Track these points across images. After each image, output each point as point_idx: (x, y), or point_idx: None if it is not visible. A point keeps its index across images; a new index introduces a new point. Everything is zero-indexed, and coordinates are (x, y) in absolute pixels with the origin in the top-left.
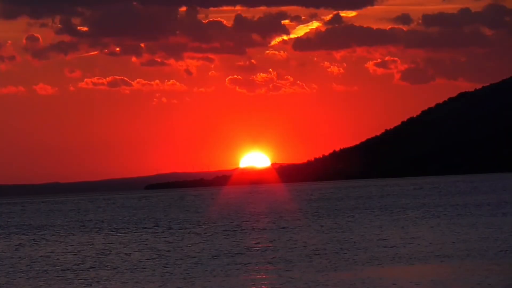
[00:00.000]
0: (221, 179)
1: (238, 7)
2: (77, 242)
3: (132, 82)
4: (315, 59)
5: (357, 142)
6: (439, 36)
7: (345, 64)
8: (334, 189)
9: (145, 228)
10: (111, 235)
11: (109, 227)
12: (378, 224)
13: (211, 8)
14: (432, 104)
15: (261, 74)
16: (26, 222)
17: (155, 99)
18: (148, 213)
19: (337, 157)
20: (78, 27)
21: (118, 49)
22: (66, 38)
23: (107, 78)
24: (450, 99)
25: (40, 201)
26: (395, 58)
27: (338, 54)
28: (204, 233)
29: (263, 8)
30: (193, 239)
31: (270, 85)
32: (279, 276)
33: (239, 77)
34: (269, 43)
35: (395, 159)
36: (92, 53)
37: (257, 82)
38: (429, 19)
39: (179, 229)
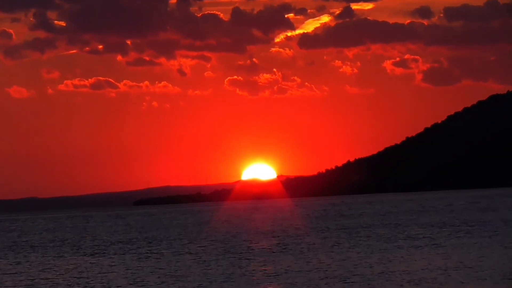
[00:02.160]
0: (221, 194)
1: None
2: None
3: (118, 84)
4: (325, 57)
5: (374, 152)
6: (463, 32)
7: (359, 63)
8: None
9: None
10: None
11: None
12: None
13: (206, 0)
14: (459, 108)
15: (264, 74)
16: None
17: (144, 103)
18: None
19: (352, 168)
20: (55, 22)
21: (101, 46)
22: (42, 34)
23: (90, 80)
24: (479, 103)
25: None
26: (416, 57)
27: (350, 52)
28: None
29: None
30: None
31: (275, 87)
32: None
33: (240, 78)
34: (273, 39)
35: (418, 171)
36: (72, 51)
37: (260, 83)
38: (452, 12)
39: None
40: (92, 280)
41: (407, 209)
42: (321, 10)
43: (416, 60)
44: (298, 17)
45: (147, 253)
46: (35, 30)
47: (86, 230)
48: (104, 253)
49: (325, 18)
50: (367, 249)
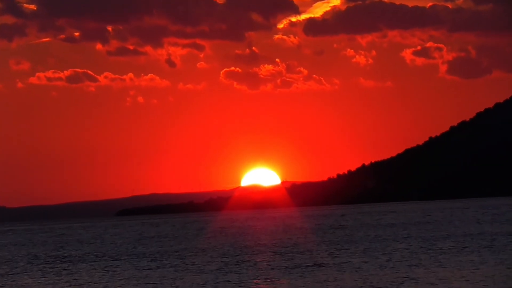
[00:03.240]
0: (217, 202)
1: None
2: None
3: (97, 77)
4: (335, 46)
5: (393, 154)
6: (493, 16)
7: (374, 53)
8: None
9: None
10: None
11: None
12: None
13: None
14: (490, 104)
15: (266, 65)
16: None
17: (128, 99)
18: None
19: (367, 173)
20: (25, 6)
21: (77, 34)
22: (10, 20)
23: (65, 72)
24: None
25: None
26: (440, 45)
27: (364, 40)
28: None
29: None
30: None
31: (278, 80)
32: None
33: (237, 69)
34: (275, 25)
35: (443, 176)
36: (44, 39)
37: (260, 76)
38: None
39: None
40: None
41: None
42: None
43: (439, 49)
44: None
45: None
46: (2, 15)
47: None
48: None
49: (335, 1)
50: None
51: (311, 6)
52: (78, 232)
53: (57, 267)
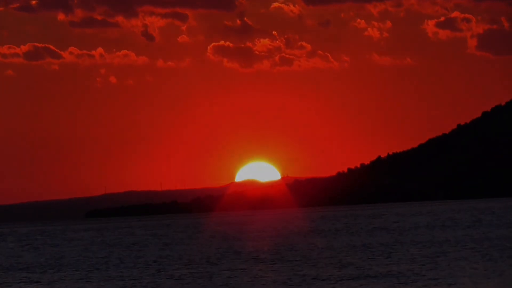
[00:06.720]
0: (205, 201)
1: None
2: None
3: (61, 53)
4: (343, 16)
5: (415, 144)
6: None
7: (389, 24)
8: None
9: None
10: None
11: None
12: None
13: None
14: None
15: (261, 40)
16: None
17: (98, 79)
18: None
19: (384, 167)
20: None
21: (34, 1)
22: None
23: (22, 47)
24: None
25: None
26: (467, 15)
27: (376, 9)
28: None
29: None
30: None
31: (276, 57)
32: None
33: (228, 44)
34: None
35: (474, 171)
36: None
37: (255, 52)
38: None
39: None
40: None
41: None
42: None
43: (467, 20)
44: None
45: None
46: None
47: None
48: None
49: None
50: None
51: None
52: None
53: None
